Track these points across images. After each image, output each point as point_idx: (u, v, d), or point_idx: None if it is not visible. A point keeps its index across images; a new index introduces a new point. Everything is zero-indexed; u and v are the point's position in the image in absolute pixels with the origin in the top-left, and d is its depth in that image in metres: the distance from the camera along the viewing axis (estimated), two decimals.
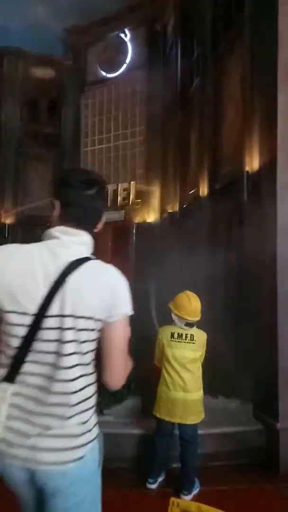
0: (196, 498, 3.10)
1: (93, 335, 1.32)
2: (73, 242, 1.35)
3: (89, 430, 1.35)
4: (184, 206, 7.74)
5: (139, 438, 3.59)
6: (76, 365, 1.28)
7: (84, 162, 12.59)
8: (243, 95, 4.62)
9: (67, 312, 1.26)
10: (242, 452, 3.73)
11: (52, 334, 1.26)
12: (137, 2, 11.38)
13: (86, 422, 1.34)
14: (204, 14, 6.25)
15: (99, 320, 1.30)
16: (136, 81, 11.33)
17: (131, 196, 11.33)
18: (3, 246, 1.36)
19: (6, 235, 12.31)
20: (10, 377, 1.27)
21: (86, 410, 1.34)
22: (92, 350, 1.34)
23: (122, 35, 11.81)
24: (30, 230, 12.96)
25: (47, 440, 1.27)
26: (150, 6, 11.06)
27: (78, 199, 1.36)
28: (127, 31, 11.71)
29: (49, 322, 1.26)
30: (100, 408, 3.66)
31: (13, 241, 12.55)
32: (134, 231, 10.92)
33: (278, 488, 3.33)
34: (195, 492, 3.13)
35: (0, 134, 12.50)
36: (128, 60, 11.69)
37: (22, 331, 1.26)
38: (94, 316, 1.29)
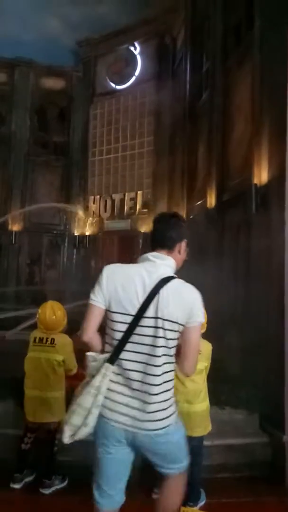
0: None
1: (176, 335, 1.78)
2: (163, 264, 1.85)
3: (171, 405, 1.84)
4: (191, 216, 7.79)
5: None
6: (163, 355, 1.75)
7: (92, 171, 12.74)
8: (252, 108, 4.69)
9: (159, 315, 1.73)
10: (248, 464, 3.71)
11: (147, 331, 1.74)
12: (147, 16, 11.63)
13: (168, 399, 1.82)
14: (215, 28, 6.38)
15: (181, 324, 1.76)
16: (144, 93, 11.51)
17: (138, 206, 11.42)
18: (111, 266, 1.88)
19: (14, 242, 12.42)
20: (112, 360, 1.76)
21: (168, 390, 1.82)
22: (174, 346, 1.80)
23: (132, 48, 12.04)
24: (36, 237, 13.12)
25: (144, 412, 1.75)
26: (160, 20, 11.30)
27: (161, 230, 1.91)
28: (136, 44, 11.93)
29: (145, 321, 1.74)
30: None
31: (20, 247, 12.66)
32: (140, 240, 10.98)
33: (283, 501, 3.31)
34: (201, 504, 3.11)
35: (10, 143, 12.70)
36: (137, 72, 11.90)
37: (123, 327, 1.75)
38: (177, 320, 1.75)
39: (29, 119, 12.96)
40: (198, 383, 3.10)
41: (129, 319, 1.75)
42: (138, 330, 1.74)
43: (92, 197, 12.59)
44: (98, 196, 12.43)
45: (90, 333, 1.83)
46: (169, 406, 1.83)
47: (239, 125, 5.38)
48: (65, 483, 3.38)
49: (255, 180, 4.39)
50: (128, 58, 12.08)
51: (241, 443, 3.75)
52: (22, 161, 12.78)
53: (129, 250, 11.28)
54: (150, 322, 1.73)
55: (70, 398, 3.51)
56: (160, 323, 1.73)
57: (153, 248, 1.90)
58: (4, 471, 3.49)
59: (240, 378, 4.24)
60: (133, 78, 11.92)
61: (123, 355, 1.76)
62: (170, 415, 1.82)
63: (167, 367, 1.80)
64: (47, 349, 3.35)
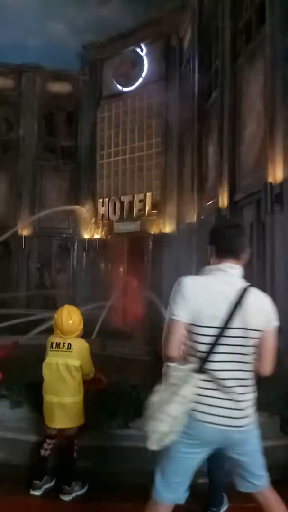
0: None
1: (258, 341, 1.89)
2: (236, 274, 1.90)
3: (253, 405, 2.00)
4: (202, 217, 7.74)
5: None
6: (250, 360, 1.90)
7: (100, 174, 12.75)
8: (265, 107, 4.64)
9: (245, 326, 1.83)
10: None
11: (235, 341, 1.84)
12: (152, 18, 11.62)
13: (253, 397, 1.99)
14: (223, 28, 6.33)
15: (261, 330, 1.87)
16: (152, 95, 11.48)
17: (147, 207, 11.38)
18: (189, 280, 1.90)
19: (24, 246, 12.46)
20: (200, 370, 1.86)
21: (254, 390, 1.99)
22: (255, 352, 1.92)
23: (138, 50, 12.03)
24: (46, 241, 13.16)
25: (238, 410, 1.90)
26: (165, 21, 11.27)
27: (229, 240, 1.95)
28: (143, 46, 11.91)
29: (232, 332, 1.83)
30: (125, 421, 3.63)
31: (30, 252, 12.71)
32: (150, 242, 10.94)
33: None
34: (223, 509, 3.05)
35: (18, 148, 12.76)
36: (144, 74, 11.88)
37: (209, 339, 1.84)
38: (260, 328, 1.86)
39: (37, 124, 13.01)
40: None
41: (215, 331, 1.84)
42: (225, 340, 1.84)
43: (101, 199, 12.60)
44: (107, 199, 12.42)
45: (176, 349, 1.92)
46: (254, 404, 2.03)
47: (251, 124, 5.32)
48: (85, 489, 3.34)
49: (270, 179, 4.33)
50: (135, 60, 12.08)
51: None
52: (30, 166, 12.83)
53: (139, 252, 11.25)
54: (237, 332, 1.84)
55: (88, 403, 3.52)
56: (246, 333, 1.85)
57: (221, 257, 1.94)
58: (23, 477, 3.47)
59: (260, 380, 4.17)
60: (140, 80, 11.91)
61: (213, 364, 1.87)
62: (254, 412, 2.03)
63: (252, 372, 1.98)
64: (64, 354, 3.33)
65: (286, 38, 4.16)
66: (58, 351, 3.34)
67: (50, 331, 3.67)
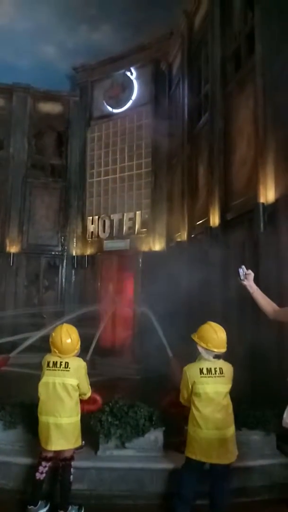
0: None
1: None
2: None
3: None
4: (193, 235, 7.85)
5: (163, 473, 3.48)
6: None
7: (90, 193, 12.84)
8: (256, 130, 4.82)
9: None
10: (267, 487, 3.62)
11: None
12: (142, 43, 12.00)
13: None
14: (213, 54, 6.59)
15: None
16: (141, 116, 11.74)
17: (137, 225, 11.47)
18: None
19: (12, 263, 12.33)
20: None
21: None
22: None
23: (128, 73, 12.35)
24: (34, 258, 13.07)
25: None
26: (155, 47, 11.66)
27: None
28: (133, 70, 12.25)
29: None
30: (122, 441, 3.58)
31: (18, 269, 12.60)
32: (140, 259, 10.98)
33: None
34: None
35: (8, 166, 12.78)
36: (133, 96, 12.16)
37: None
38: None
39: (27, 143, 13.09)
40: (227, 407, 3.04)
41: None
42: None
43: (91, 217, 12.65)
44: (97, 217, 12.48)
45: None
46: None
47: (241, 147, 5.50)
48: None
49: (262, 199, 4.46)
50: (125, 83, 12.39)
51: (259, 464, 3.67)
52: (20, 184, 12.83)
53: (128, 270, 11.25)
54: None
55: (85, 423, 3.46)
56: None
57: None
58: (17, 503, 3.36)
59: (255, 399, 4.19)
60: (130, 102, 12.17)
61: None
62: None
63: None
64: (61, 373, 3.29)
65: (275, 66, 4.37)
66: (55, 370, 3.30)
67: (37, 348, 3.61)
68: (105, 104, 12.87)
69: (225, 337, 3.13)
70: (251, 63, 5.13)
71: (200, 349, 3.10)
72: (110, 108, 12.71)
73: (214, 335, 3.07)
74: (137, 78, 12.19)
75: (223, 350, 3.10)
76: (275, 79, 4.37)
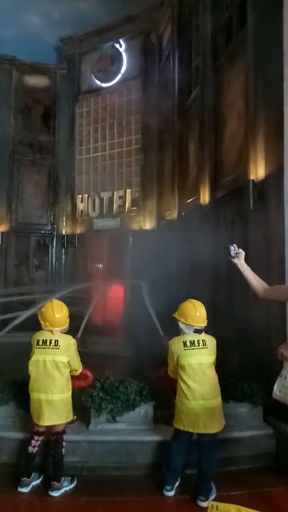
0: None
1: None
2: None
3: None
4: (183, 213, 7.82)
5: (153, 445, 3.59)
6: None
7: (79, 170, 12.63)
8: (246, 105, 4.74)
9: None
10: (253, 456, 3.77)
11: None
12: (131, 13, 11.56)
13: None
14: (204, 25, 6.39)
15: None
16: (131, 91, 11.45)
17: (127, 204, 11.38)
18: None
19: (0, 243, 12.21)
20: None
21: None
22: None
23: (117, 45, 11.95)
24: (23, 238, 12.94)
25: None
26: (144, 17, 11.25)
27: None
28: (121, 41, 11.85)
29: None
30: (113, 415, 3.66)
31: (7, 248, 12.49)
32: (130, 238, 10.95)
33: None
34: (211, 497, 3.14)
35: None
36: (123, 70, 11.82)
37: None
38: None
39: (13, 118, 12.73)
40: (211, 378, 3.14)
41: None
42: None
43: (80, 195, 12.48)
44: (86, 195, 12.32)
45: None
46: None
47: (232, 122, 5.42)
48: (73, 485, 3.36)
49: (252, 176, 4.44)
50: (113, 55, 12.00)
51: (246, 436, 3.80)
52: (7, 161, 12.53)
53: (119, 248, 11.24)
54: None
55: (76, 399, 3.53)
56: None
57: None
58: (10, 475, 3.45)
59: (242, 372, 4.29)
60: (119, 76, 11.83)
61: None
62: None
63: None
64: (51, 351, 3.32)
65: (267, 38, 4.26)
66: (46, 348, 3.33)
67: (25, 327, 3.63)
68: (93, 77, 12.50)
69: (205, 313, 3.25)
70: (242, 36, 4.99)
71: (181, 325, 3.23)
72: (98, 82, 12.35)
73: (194, 311, 3.20)
74: (126, 50, 11.81)
75: (203, 324, 3.20)
76: (267, 53, 4.26)
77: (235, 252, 2.80)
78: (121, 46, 11.88)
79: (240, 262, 2.80)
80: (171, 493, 3.17)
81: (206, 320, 3.27)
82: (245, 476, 3.58)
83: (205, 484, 3.09)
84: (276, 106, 3.92)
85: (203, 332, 3.26)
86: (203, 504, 3.06)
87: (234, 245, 2.84)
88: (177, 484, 3.27)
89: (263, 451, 3.78)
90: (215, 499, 3.15)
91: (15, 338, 6.86)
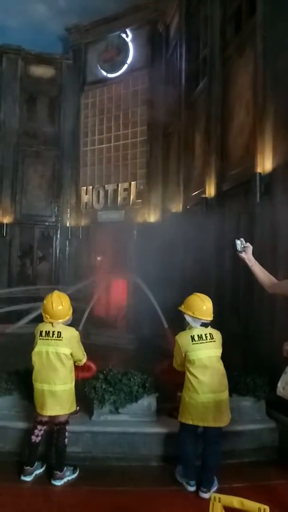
0: None
1: None
2: None
3: None
4: (188, 206, 7.77)
5: (156, 437, 3.60)
6: None
7: (84, 162, 12.58)
8: (255, 97, 4.67)
9: None
10: (256, 449, 3.78)
11: None
12: (138, 3, 11.40)
13: None
14: (212, 15, 6.29)
15: None
16: (137, 82, 11.34)
17: (132, 196, 11.33)
18: None
19: (5, 234, 12.22)
20: None
21: None
22: None
23: (123, 35, 11.80)
24: (27, 229, 12.94)
25: None
26: (151, 7, 11.08)
27: None
28: (128, 32, 11.70)
29: None
30: (116, 407, 3.67)
31: (11, 240, 12.51)
32: (135, 231, 10.92)
33: None
34: (213, 489, 3.15)
35: None
36: (129, 60, 11.69)
37: None
38: None
39: (18, 109, 12.66)
40: (220, 370, 3.14)
41: None
42: None
43: (85, 187, 12.44)
44: (91, 187, 12.28)
45: None
46: None
47: (239, 114, 5.35)
48: (76, 475, 3.38)
49: (259, 169, 4.38)
50: (120, 45, 11.85)
51: (249, 429, 3.81)
52: (12, 152, 12.48)
53: (123, 241, 11.20)
54: None
55: (80, 390, 3.54)
56: None
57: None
58: (14, 464, 3.48)
59: (246, 366, 4.29)
60: (125, 66, 11.70)
61: None
62: None
63: None
64: (54, 342, 3.32)
65: (276, 28, 4.18)
66: (48, 339, 3.33)
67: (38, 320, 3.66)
68: (99, 68, 12.38)
69: (211, 307, 3.22)
70: (251, 26, 4.90)
71: (187, 318, 3.20)
72: (104, 73, 12.23)
73: (201, 304, 3.17)
74: (133, 40, 11.67)
75: (210, 318, 3.18)
76: (276, 44, 4.19)
77: (243, 246, 2.76)
78: (128, 36, 11.73)
79: (248, 256, 2.76)
80: (193, 488, 3.14)
81: (212, 315, 3.24)
82: (248, 468, 3.59)
83: (208, 476, 3.10)
84: (285, 98, 3.85)
85: (209, 326, 3.24)
86: (205, 495, 3.07)
87: (242, 239, 2.80)
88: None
89: (265, 444, 3.79)
90: (217, 491, 3.15)
91: (23, 330, 6.91)
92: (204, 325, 3.20)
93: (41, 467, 3.44)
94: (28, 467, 3.34)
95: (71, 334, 3.40)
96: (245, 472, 3.52)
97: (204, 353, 3.11)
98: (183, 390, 3.19)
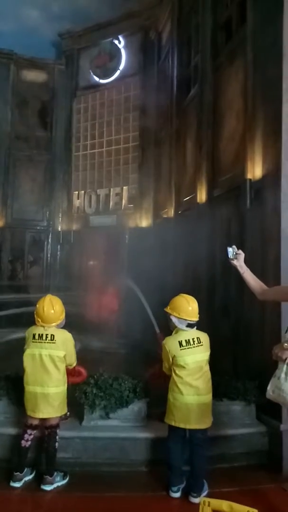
0: None
1: None
2: None
3: None
4: (180, 211, 7.82)
5: (146, 442, 3.59)
6: None
7: (76, 166, 12.60)
8: (245, 104, 4.73)
9: None
10: (246, 454, 3.79)
11: None
12: (131, 10, 11.53)
13: None
14: (204, 23, 6.38)
15: None
16: (129, 88, 11.44)
17: (124, 201, 11.37)
18: None
19: None
20: None
21: None
22: None
23: (116, 42, 11.91)
24: (19, 233, 12.89)
25: None
26: (144, 14, 11.22)
27: None
28: (121, 38, 11.81)
29: None
30: (106, 412, 3.66)
31: (2, 244, 12.43)
32: (126, 236, 10.94)
33: (283, 488, 3.39)
34: (204, 494, 3.15)
35: None
36: (121, 66, 11.80)
37: None
38: None
39: (10, 113, 12.67)
40: (206, 374, 3.15)
41: None
42: None
43: (77, 192, 12.46)
44: (83, 192, 12.31)
45: None
46: None
47: (230, 121, 5.42)
48: (66, 480, 3.36)
49: (249, 175, 4.44)
50: (112, 51, 11.97)
51: (239, 433, 3.82)
52: (3, 156, 12.50)
53: (115, 246, 11.22)
54: None
55: (70, 395, 3.52)
56: None
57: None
58: (3, 470, 3.44)
59: (236, 370, 4.31)
60: (118, 72, 11.82)
61: None
62: None
63: None
64: (47, 345, 3.31)
65: (266, 37, 4.25)
66: (42, 342, 3.32)
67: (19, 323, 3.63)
68: (91, 73, 12.47)
69: (197, 307, 3.24)
70: (242, 34, 4.98)
71: (173, 319, 3.20)
72: (97, 78, 12.32)
73: (186, 305, 3.18)
74: (125, 47, 11.79)
75: (195, 319, 3.20)
76: (266, 52, 4.26)
77: (235, 253, 2.77)
78: (120, 43, 11.85)
79: (240, 263, 2.77)
80: (177, 494, 3.14)
81: (198, 315, 3.26)
82: (238, 473, 3.60)
83: (197, 481, 3.11)
84: (275, 105, 3.92)
85: (195, 327, 3.25)
86: (195, 500, 3.07)
87: (234, 246, 2.81)
88: (183, 485, 3.23)
89: (255, 448, 3.80)
90: (207, 496, 3.15)
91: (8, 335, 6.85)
92: (190, 325, 3.20)
93: (31, 473, 3.41)
94: (18, 473, 3.31)
95: (65, 337, 3.40)
96: (235, 476, 3.53)
97: (191, 358, 3.12)
98: (168, 392, 3.20)
